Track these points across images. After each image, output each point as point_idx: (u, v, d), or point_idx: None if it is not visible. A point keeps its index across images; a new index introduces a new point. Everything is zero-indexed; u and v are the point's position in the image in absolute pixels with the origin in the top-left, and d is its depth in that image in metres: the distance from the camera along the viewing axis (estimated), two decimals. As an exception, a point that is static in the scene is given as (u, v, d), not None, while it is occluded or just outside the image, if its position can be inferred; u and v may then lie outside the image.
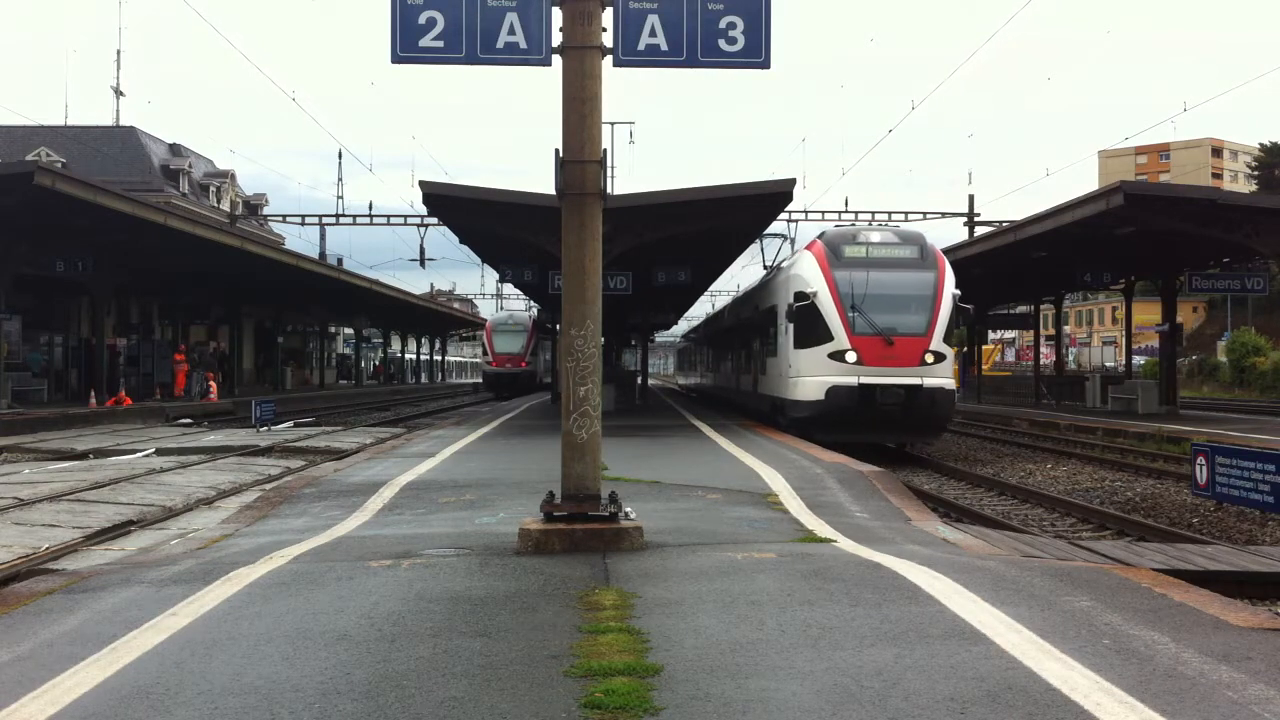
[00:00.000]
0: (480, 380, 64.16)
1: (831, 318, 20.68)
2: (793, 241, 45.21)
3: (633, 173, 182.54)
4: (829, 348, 20.65)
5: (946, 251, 24.47)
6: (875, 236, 22.18)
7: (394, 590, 6.77)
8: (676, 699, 4.60)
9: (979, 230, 46.13)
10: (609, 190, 10.26)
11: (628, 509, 8.48)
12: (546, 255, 21.63)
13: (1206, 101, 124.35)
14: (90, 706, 4.58)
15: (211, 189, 66.96)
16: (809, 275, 21.36)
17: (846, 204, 44.19)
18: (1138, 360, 56.02)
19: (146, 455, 20.05)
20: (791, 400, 21.87)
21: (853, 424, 20.43)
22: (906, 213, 46.78)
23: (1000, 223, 43.07)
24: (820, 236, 22.56)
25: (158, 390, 38.38)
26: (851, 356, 20.41)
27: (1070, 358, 78.15)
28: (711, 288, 49.74)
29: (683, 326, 76.47)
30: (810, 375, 20.93)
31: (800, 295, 21.15)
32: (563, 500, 8.37)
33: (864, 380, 20.24)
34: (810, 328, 20.98)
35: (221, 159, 78.98)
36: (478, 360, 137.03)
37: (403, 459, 16.27)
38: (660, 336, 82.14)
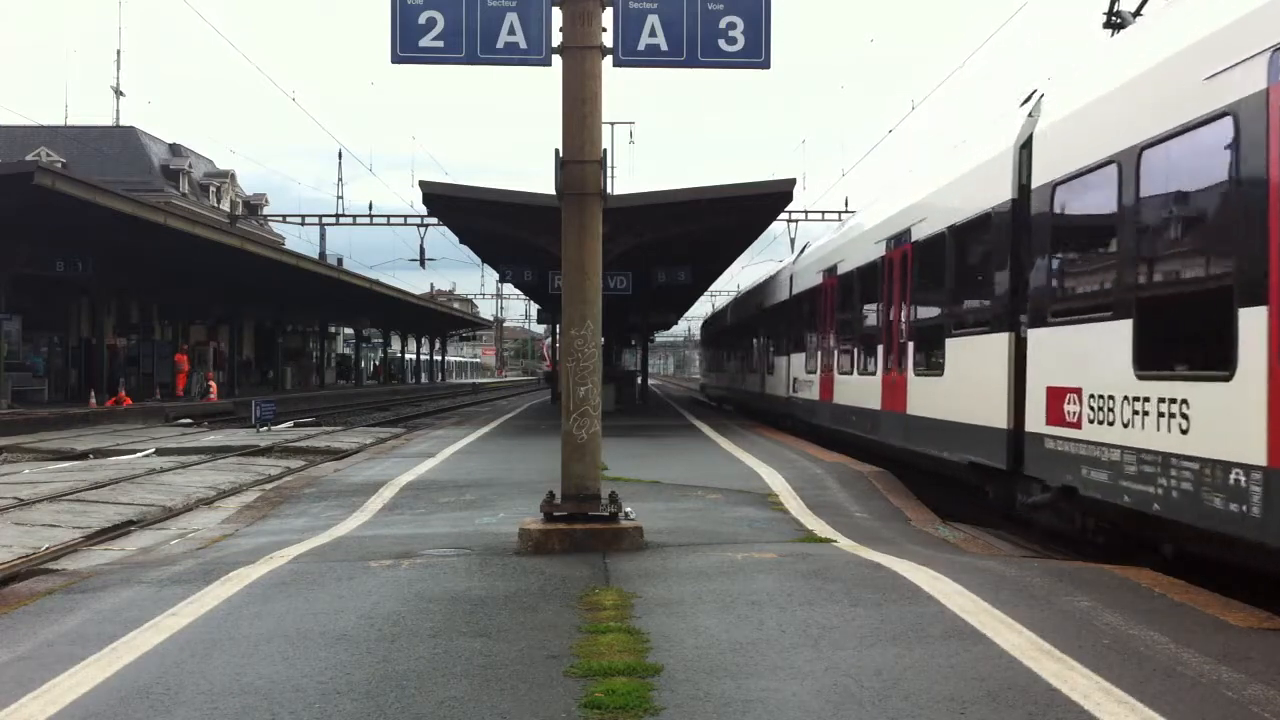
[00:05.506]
0: (542, 377, 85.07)
1: None
2: (793, 241, 45.30)
3: (633, 173, 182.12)
4: None
5: None
6: None
7: (394, 590, 6.77)
8: (676, 699, 4.60)
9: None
10: (609, 190, 10.23)
11: (628, 509, 8.48)
12: (546, 255, 21.61)
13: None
14: (90, 706, 4.58)
15: (211, 189, 66.99)
16: None
17: (846, 204, 43.99)
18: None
19: (146, 455, 20.04)
20: None
21: None
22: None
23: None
24: None
25: (158, 390, 38.37)
26: None
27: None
28: (711, 288, 49.79)
29: (683, 326, 76.38)
30: None
31: None
32: (563, 500, 8.37)
33: None
34: None
35: (222, 159, 78.97)
36: (478, 360, 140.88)
37: (403, 459, 16.27)
38: (660, 336, 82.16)
